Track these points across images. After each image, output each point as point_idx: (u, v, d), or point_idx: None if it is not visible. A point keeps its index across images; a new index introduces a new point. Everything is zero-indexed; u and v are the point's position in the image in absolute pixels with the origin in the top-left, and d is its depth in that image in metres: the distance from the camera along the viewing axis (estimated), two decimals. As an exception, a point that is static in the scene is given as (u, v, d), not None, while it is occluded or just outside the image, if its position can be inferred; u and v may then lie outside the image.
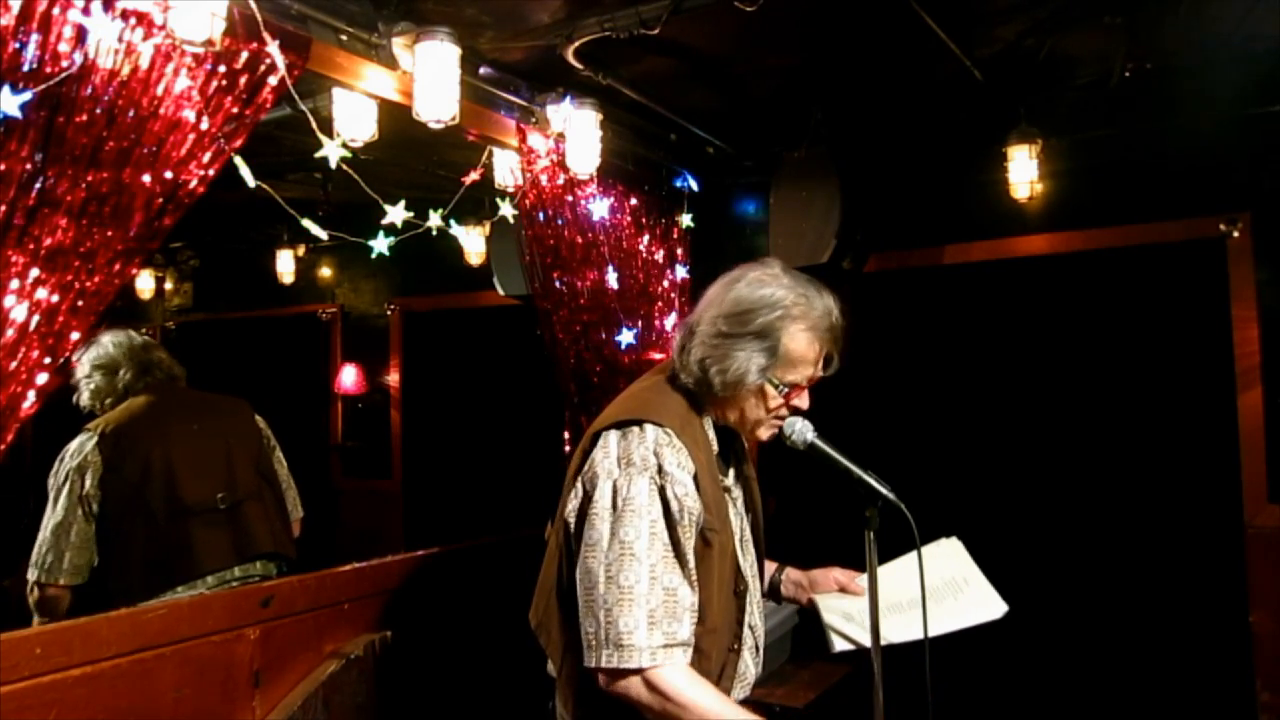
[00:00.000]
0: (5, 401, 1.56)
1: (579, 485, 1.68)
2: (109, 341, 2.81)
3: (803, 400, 1.76)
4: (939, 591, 1.88)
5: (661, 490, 1.60)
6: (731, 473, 1.84)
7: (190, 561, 2.64)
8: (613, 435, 1.67)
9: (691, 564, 1.62)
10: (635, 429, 1.65)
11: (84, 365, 2.78)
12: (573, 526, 1.67)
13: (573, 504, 1.68)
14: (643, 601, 1.54)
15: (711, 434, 1.76)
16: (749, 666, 1.81)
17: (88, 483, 2.57)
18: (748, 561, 1.82)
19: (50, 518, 2.57)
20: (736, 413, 1.75)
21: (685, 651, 1.58)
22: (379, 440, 5.77)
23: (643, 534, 1.57)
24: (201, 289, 6.57)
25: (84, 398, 2.79)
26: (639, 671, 1.54)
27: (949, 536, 1.93)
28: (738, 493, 1.86)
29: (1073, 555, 3.90)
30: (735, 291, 1.71)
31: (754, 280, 1.71)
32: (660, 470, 1.61)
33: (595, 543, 1.59)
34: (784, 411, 1.76)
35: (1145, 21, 2.93)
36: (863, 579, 1.94)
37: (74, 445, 2.62)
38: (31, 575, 2.56)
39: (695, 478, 1.64)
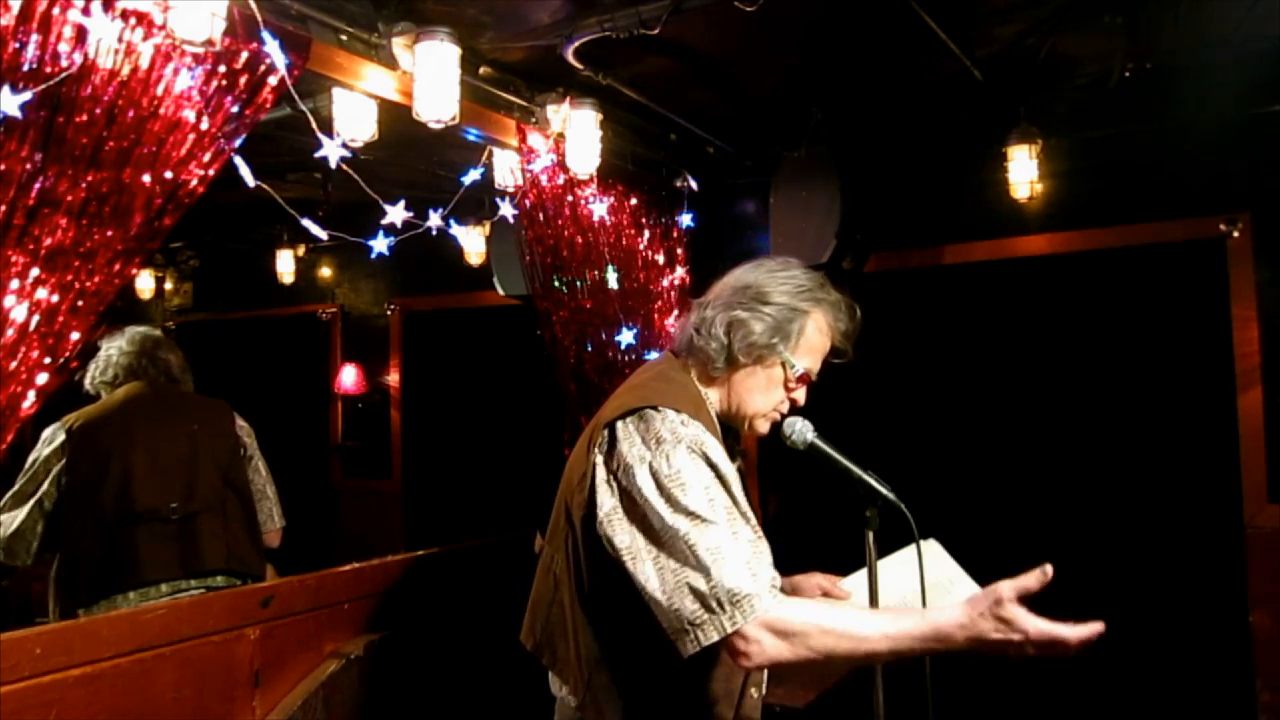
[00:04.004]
0: (5, 401, 1.56)
1: (611, 483, 1.59)
2: (129, 330, 2.89)
3: (800, 395, 1.78)
4: (927, 594, 1.87)
5: (705, 456, 1.56)
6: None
7: (134, 569, 2.63)
8: (630, 422, 1.61)
9: (753, 520, 1.58)
10: (651, 412, 1.61)
11: (101, 347, 2.85)
12: (614, 526, 1.56)
13: (608, 503, 1.58)
14: (735, 556, 1.46)
15: (716, 423, 1.75)
16: None
17: (48, 478, 2.60)
18: None
19: (11, 489, 2.61)
20: (743, 394, 1.75)
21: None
22: (379, 440, 5.77)
23: (702, 501, 1.50)
24: (201, 289, 6.57)
25: (86, 376, 2.85)
26: (765, 622, 1.43)
27: (927, 539, 1.92)
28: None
29: (1073, 555, 3.88)
30: (761, 272, 1.74)
31: (778, 266, 1.76)
32: (697, 437, 1.58)
33: (661, 526, 1.50)
34: (785, 404, 1.77)
35: (1145, 21, 2.93)
36: (845, 583, 1.94)
37: (47, 433, 2.66)
38: None
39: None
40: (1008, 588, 1.40)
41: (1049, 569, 1.41)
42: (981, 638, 1.39)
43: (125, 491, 2.63)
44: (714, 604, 1.44)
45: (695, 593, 1.46)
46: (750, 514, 1.60)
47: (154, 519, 2.66)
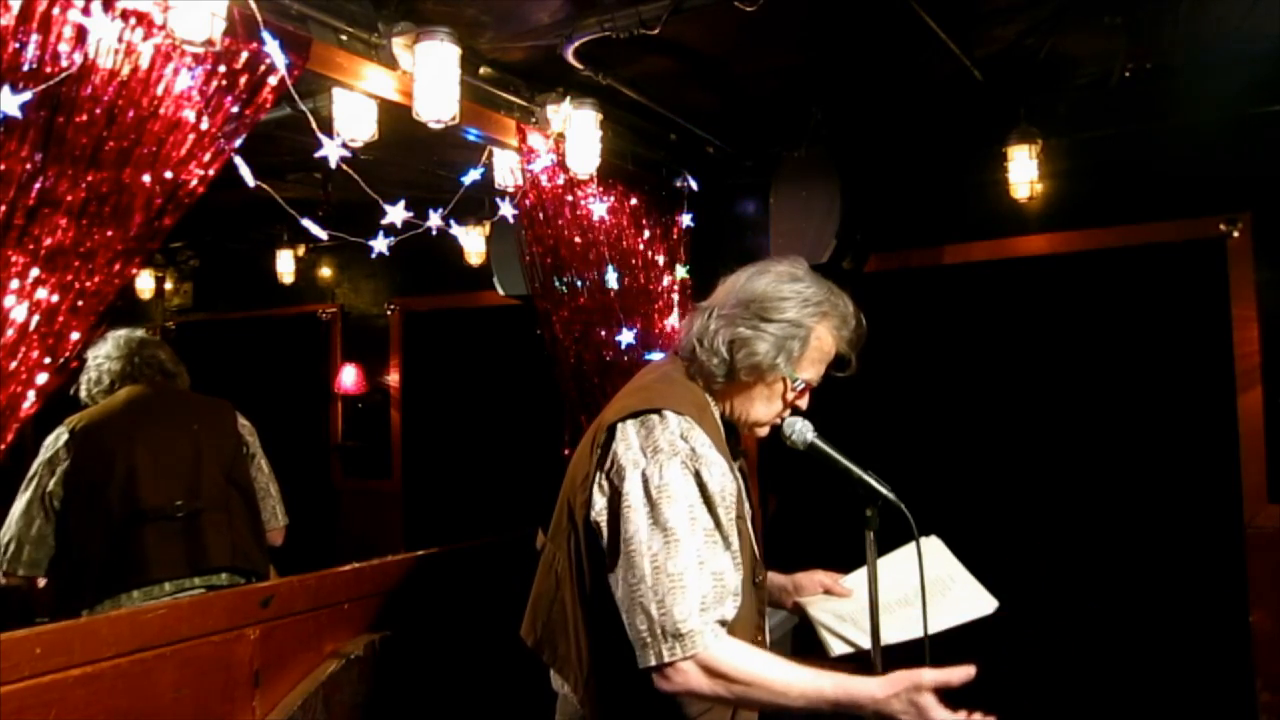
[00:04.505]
0: (5, 401, 1.56)
1: (604, 483, 1.62)
2: (112, 336, 2.87)
3: (804, 400, 1.79)
4: (927, 592, 1.86)
5: (697, 474, 1.57)
6: (733, 466, 1.84)
7: (141, 568, 2.63)
8: (631, 425, 1.62)
9: (734, 545, 1.60)
10: (655, 417, 1.61)
11: (88, 358, 2.84)
12: (603, 526, 1.60)
13: (599, 503, 1.61)
14: (694, 588, 1.50)
15: (721, 425, 1.76)
16: None
17: (53, 478, 2.60)
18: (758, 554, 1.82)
19: (16, 506, 2.60)
20: (746, 404, 1.75)
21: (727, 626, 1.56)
22: (379, 440, 5.77)
23: (682, 519, 1.53)
24: (201, 289, 6.57)
25: (81, 390, 2.84)
26: (698, 659, 1.48)
27: (928, 536, 1.92)
28: (741, 485, 1.86)
29: (1073, 555, 3.90)
30: (766, 281, 1.72)
31: (783, 274, 1.74)
32: (693, 453, 1.58)
33: (633, 535, 1.53)
34: (786, 413, 1.78)
35: (1145, 21, 2.93)
36: (847, 580, 1.94)
37: (50, 438, 2.66)
38: None
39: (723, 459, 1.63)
40: (929, 677, 1.48)
41: (972, 670, 1.50)
42: (889, 714, 1.48)
43: (130, 490, 2.64)
44: (659, 630, 1.49)
45: (646, 615, 1.51)
46: (733, 537, 1.61)
47: (159, 517, 2.67)
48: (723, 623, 1.54)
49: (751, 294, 1.72)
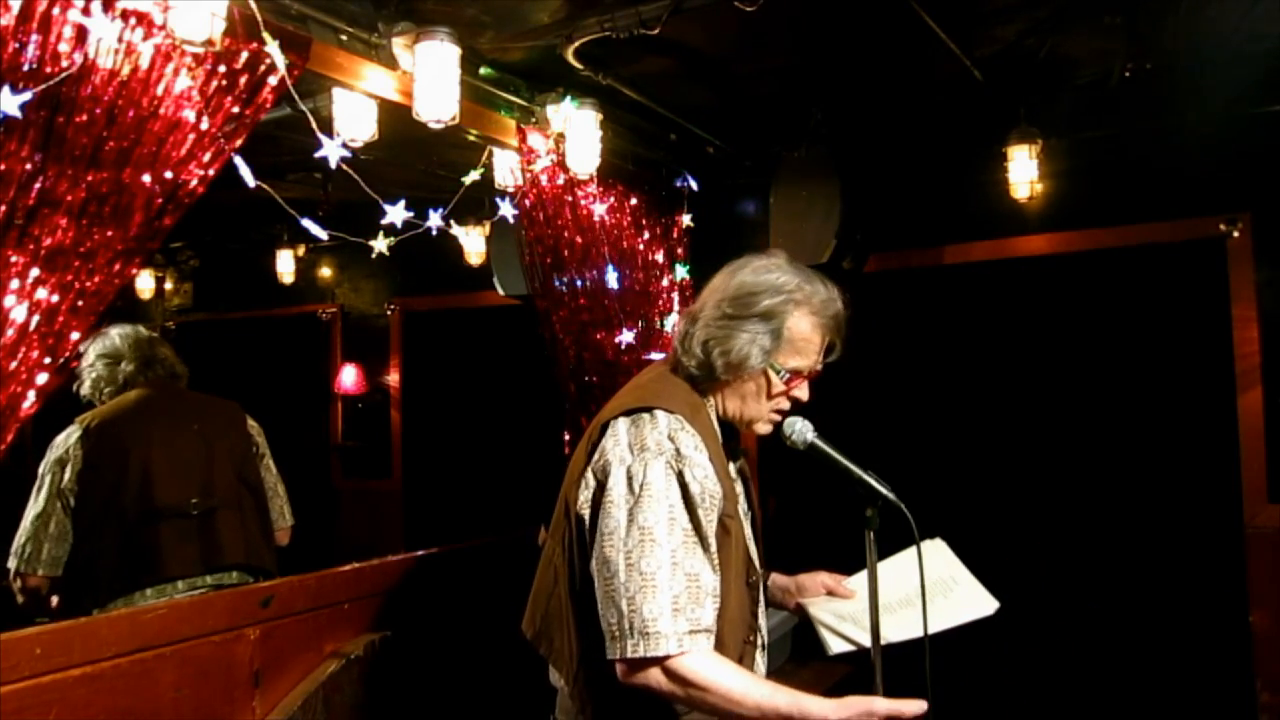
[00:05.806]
0: (5, 401, 1.56)
1: (589, 476, 1.65)
2: (116, 333, 2.85)
3: (803, 391, 1.77)
4: (928, 592, 1.87)
5: (680, 475, 1.59)
6: (732, 466, 1.84)
7: (156, 566, 2.64)
8: (622, 423, 1.65)
9: (713, 548, 1.61)
10: (646, 415, 1.64)
11: (89, 355, 2.82)
12: (586, 519, 1.64)
13: (584, 496, 1.65)
14: (665, 588, 1.52)
15: (716, 425, 1.76)
16: (760, 666, 1.80)
17: (66, 476, 2.60)
18: (756, 554, 1.82)
19: (32, 508, 2.60)
20: (737, 402, 1.76)
21: (709, 637, 1.57)
22: (379, 440, 5.77)
23: (661, 519, 1.55)
24: (201, 289, 6.57)
25: (85, 387, 2.82)
26: (662, 660, 1.51)
27: (933, 538, 1.92)
28: (740, 487, 1.86)
29: (1073, 555, 3.90)
30: (739, 277, 1.74)
31: (758, 267, 1.74)
32: (677, 454, 1.60)
33: (613, 531, 1.56)
34: (784, 404, 1.77)
35: (1145, 21, 2.93)
36: (850, 582, 1.94)
37: (60, 437, 2.66)
38: (11, 564, 2.59)
39: (711, 462, 1.64)
40: (883, 706, 1.50)
41: (924, 705, 1.52)
42: None
43: (145, 488, 2.64)
44: (627, 626, 1.52)
45: (617, 609, 1.53)
46: (712, 539, 1.61)
47: (174, 515, 2.68)
48: (698, 629, 1.54)
49: (725, 292, 1.73)
